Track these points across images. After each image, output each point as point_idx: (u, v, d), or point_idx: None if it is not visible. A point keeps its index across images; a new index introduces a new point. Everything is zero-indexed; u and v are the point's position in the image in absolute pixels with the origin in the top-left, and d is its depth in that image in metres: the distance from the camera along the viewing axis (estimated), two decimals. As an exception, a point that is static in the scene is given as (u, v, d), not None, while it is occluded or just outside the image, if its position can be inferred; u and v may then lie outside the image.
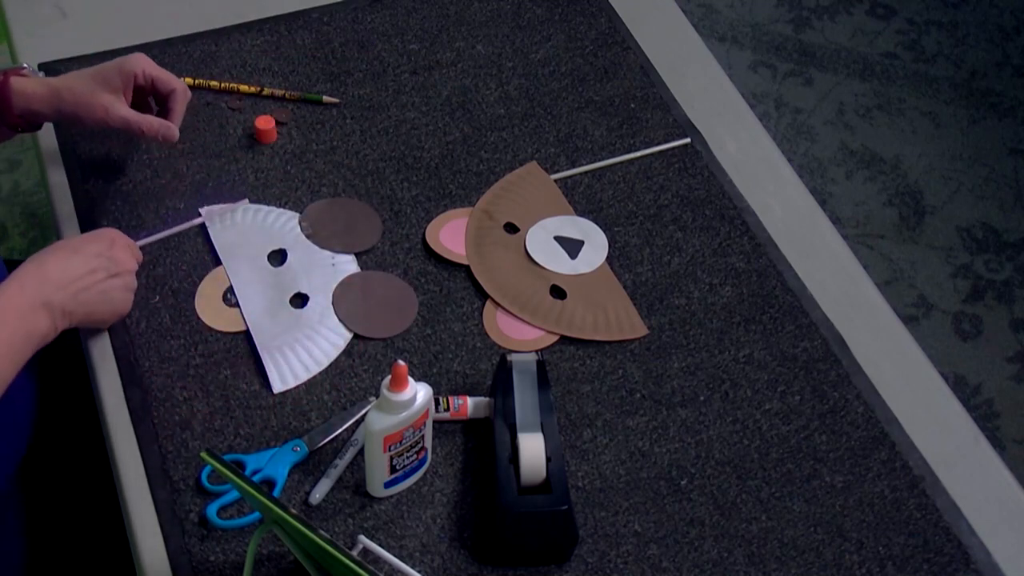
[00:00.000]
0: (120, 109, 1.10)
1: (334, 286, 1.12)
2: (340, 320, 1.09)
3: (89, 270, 1.00)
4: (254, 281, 1.11)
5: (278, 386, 1.04)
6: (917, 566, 0.97)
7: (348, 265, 1.14)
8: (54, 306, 0.97)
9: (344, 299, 1.11)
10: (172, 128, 1.13)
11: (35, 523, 1.10)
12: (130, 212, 1.16)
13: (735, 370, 1.08)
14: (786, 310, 1.13)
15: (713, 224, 1.19)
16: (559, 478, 0.94)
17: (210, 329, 1.08)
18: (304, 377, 1.05)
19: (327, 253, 1.14)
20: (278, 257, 1.14)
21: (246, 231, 1.15)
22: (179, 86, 1.16)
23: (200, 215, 1.15)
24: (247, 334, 1.08)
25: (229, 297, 1.10)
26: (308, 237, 1.15)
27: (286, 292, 1.11)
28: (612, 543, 0.97)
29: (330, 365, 1.06)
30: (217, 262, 1.13)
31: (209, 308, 1.09)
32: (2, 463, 1.04)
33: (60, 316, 0.97)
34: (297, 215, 1.17)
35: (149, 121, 1.11)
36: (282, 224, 1.16)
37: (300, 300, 1.11)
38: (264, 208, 1.17)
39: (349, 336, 1.08)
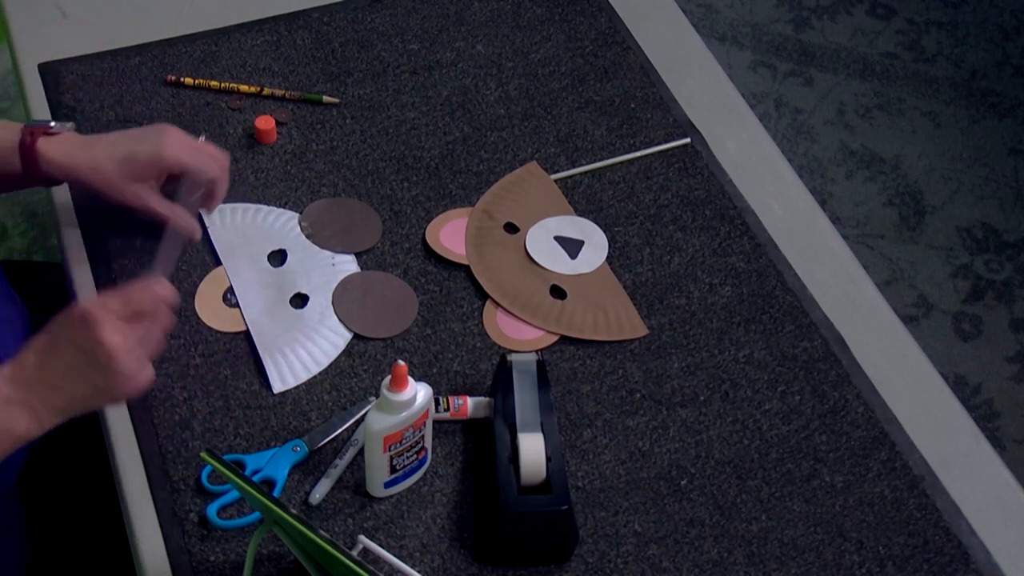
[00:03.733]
0: (147, 199, 1.07)
1: (334, 286, 1.12)
2: (340, 320, 1.09)
3: (66, 367, 0.90)
4: (254, 281, 1.11)
5: (278, 386, 1.04)
6: (917, 566, 0.97)
7: (348, 265, 1.14)
8: (36, 409, 0.89)
9: (344, 299, 1.11)
10: (197, 229, 1.10)
11: (36, 523, 1.10)
12: (130, 212, 1.15)
13: (735, 370, 1.08)
14: (786, 310, 1.13)
15: (713, 224, 1.19)
16: (559, 478, 0.94)
17: (210, 329, 1.08)
18: (304, 377, 1.05)
19: (327, 253, 1.14)
20: (278, 257, 1.14)
21: (246, 231, 1.15)
22: (216, 174, 1.10)
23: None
24: (247, 334, 1.08)
25: (229, 297, 1.10)
26: (308, 237, 1.15)
27: (286, 292, 1.11)
28: (612, 543, 0.97)
29: (330, 365, 1.06)
30: (217, 262, 1.13)
31: (209, 308, 1.09)
32: (4, 465, 1.04)
33: (49, 417, 0.90)
34: (297, 215, 1.17)
35: (175, 214, 1.08)
36: (282, 224, 1.16)
37: (300, 300, 1.11)
38: (264, 208, 1.17)
39: (349, 336, 1.08)
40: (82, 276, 1.12)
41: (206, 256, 1.14)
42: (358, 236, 1.16)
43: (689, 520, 0.99)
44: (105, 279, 1.11)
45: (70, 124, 1.09)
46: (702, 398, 1.06)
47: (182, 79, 1.26)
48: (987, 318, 2.14)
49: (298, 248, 1.15)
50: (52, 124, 1.07)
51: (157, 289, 0.94)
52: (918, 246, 2.23)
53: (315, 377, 1.05)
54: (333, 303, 1.10)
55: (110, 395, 0.92)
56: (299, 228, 1.16)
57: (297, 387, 1.05)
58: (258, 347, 1.07)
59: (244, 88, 1.26)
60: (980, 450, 1.06)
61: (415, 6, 1.37)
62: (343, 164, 1.22)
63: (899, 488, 1.01)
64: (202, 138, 1.12)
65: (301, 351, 1.07)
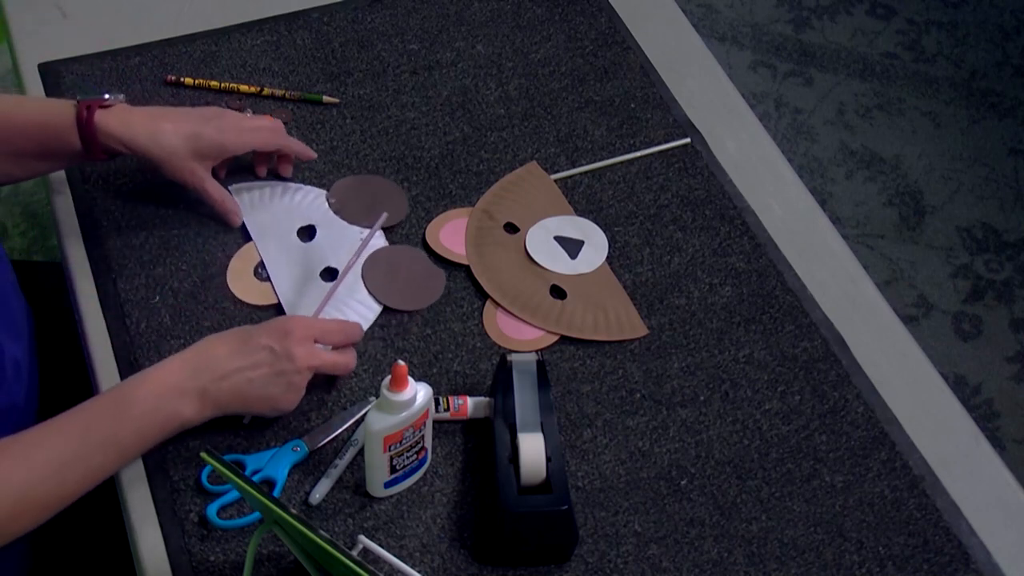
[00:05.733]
0: (204, 179, 1.10)
1: (363, 260, 1.13)
2: (370, 293, 1.11)
3: (252, 363, 0.95)
4: (284, 257, 1.13)
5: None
6: (917, 566, 0.97)
7: (376, 239, 1.15)
8: (208, 394, 0.94)
9: (373, 273, 1.12)
10: (237, 218, 1.14)
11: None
12: (130, 212, 1.16)
13: (735, 370, 1.08)
14: (786, 310, 1.13)
15: (713, 224, 1.19)
16: (559, 478, 0.94)
17: (209, 329, 1.08)
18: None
19: (355, 228, 1.16)
20: (307, 233, 1.16)
21: (275, 208, 1.17)
22: (279, 144, 1.14)
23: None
24: (278, 308, 1.09)
25: (260, 272, 1.12)
26: (336, 213, 1.16)
27: (316, 267, 1.13)
28: (612, 543, 0.97)
29: (330, 365, 1.06)
30: (247, 238, 1.14)
31: (241, 282, 1.11)
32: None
33: (212, 406, 0.95)
34: (324, 192, 1.18)
35: (223, 200, 1.12)
36: (310, 201, 1.18)
37: (330, 274, 1.12)
38: (292, 185, 1.19)
39: (379, 309, 1.10)
40: (82, 276, 1.12)
41: (237, 232, 1.15)
42: (385, 211, 1.17)
43: (689, 520, 0.99)
44: (105, 279, 1.11)
45: (121, 96, 1.12)
46: (702, 398, 1.06)
47: (182, 79, 1.26)
48: (987, 318, 2.14)
49: (326, 224, 1.16)
50: (107, 96, 1.09)
51: (355, 335, 1.02)
52: (918, 246, 2.23)
53: (315, 378, 1.05)
54: (363, 277, 1.12)
55: (274, 405, 0.98)
56: (327, 204, 1.17)
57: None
58: None
59: (244, 88, 1.26)
60: (980, 450, 1.06)
61: (415, 6, 1.37)
62: (343, 164, 1.22)
63: (899, 488, 1.01)
64: (248, 112, 1.13)
65: None
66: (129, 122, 1.06)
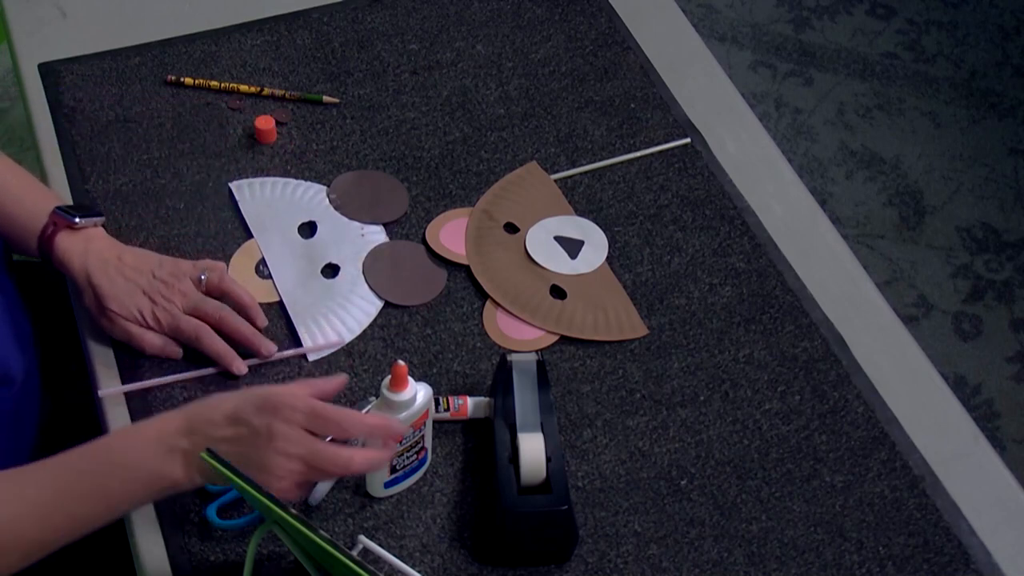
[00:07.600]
0: (124, 325, 1.04)
1: (364, 256, 1.14)
2: (371, 288, 1.11)
3: (236, 436, 0.87)
4: (285, 253, 1.14)
5: (313, 354, 1.06)
6: (917, 566, 0.97)
7: (377, 235, 1.15)
8: (194, 460, 0.86)
9: (374, 268, 1.13)
10: (174, 350, 1.05)
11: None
12: (130, 212, 1.16)
13: (735, 370, 1.08)
14: (786, 310, 1.13)
15: (713, 224, 1.19)
16: (559, 478, 0.94)
17: (210, 329, 1.08)
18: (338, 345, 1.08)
19: (356, 224, 1.16)
20: (308, 229, 1.16)
21: (275, 204, 1.17)
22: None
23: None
24: (280, 304, 1.10)
25: (262, 269, 1.12)
26: (336, 209, 1.17)
27: (317, 263, 1.13)
28: (612, 543, 0.97)
29: (330, 365, 1.06)
30: (248, 235, 1.15)
31: (242, 280, 1.11)
32: (6, 465, 1.04)
33: (197, 472, 0.87)
34: (325, 188, 1.19)
35: (151, 341, 1.04)
36: (311, 197, 1.18)
37: (331, 270, 1.13)
38: (292, 182, 1.19)
39: (380, 304, 1.11)
40: (82, 276, 1.12)
41: (238, 230, 1.15)
42: (386, 207, 1.17)
43: (689, 520, 0.99)
44: (105, 279, 1.11)
45: (98, 219, 1.08)
46: (702, 398, 1.06)
47: (182, 79, 1.26)
48: (987, 318, 2.14)
49: (327, 220, 1.17)
50: (77, 220, 1.05)
51: (355, 426, 0.88)
52: (918, 246, 2.23)
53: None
54: (364, 272, 1.12)
55: (265, 484, 0.86)
56: (327, 200, 1.18)
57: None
58: (292, 317, 1.09)
59: (244, 88, 1.26)
60: (980, 450, 1.06)
61: (415, 6, 1.37)
62: (343, 164, 1.22)
63: (899, 488, 1.01)
64: (203, 276, 1.05)
65: (334, 319, 1.09)
66: (83, 262, 1.04)
